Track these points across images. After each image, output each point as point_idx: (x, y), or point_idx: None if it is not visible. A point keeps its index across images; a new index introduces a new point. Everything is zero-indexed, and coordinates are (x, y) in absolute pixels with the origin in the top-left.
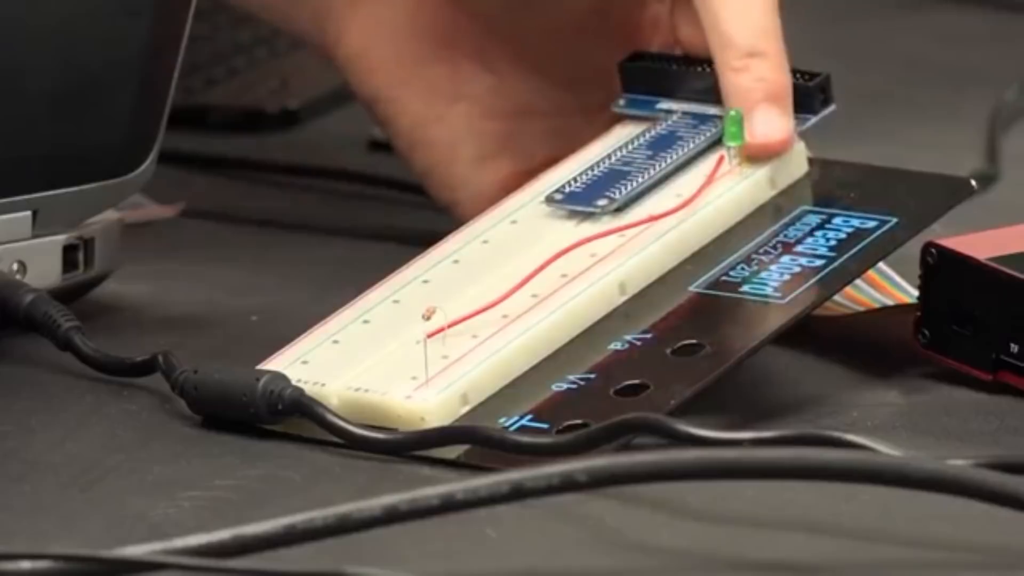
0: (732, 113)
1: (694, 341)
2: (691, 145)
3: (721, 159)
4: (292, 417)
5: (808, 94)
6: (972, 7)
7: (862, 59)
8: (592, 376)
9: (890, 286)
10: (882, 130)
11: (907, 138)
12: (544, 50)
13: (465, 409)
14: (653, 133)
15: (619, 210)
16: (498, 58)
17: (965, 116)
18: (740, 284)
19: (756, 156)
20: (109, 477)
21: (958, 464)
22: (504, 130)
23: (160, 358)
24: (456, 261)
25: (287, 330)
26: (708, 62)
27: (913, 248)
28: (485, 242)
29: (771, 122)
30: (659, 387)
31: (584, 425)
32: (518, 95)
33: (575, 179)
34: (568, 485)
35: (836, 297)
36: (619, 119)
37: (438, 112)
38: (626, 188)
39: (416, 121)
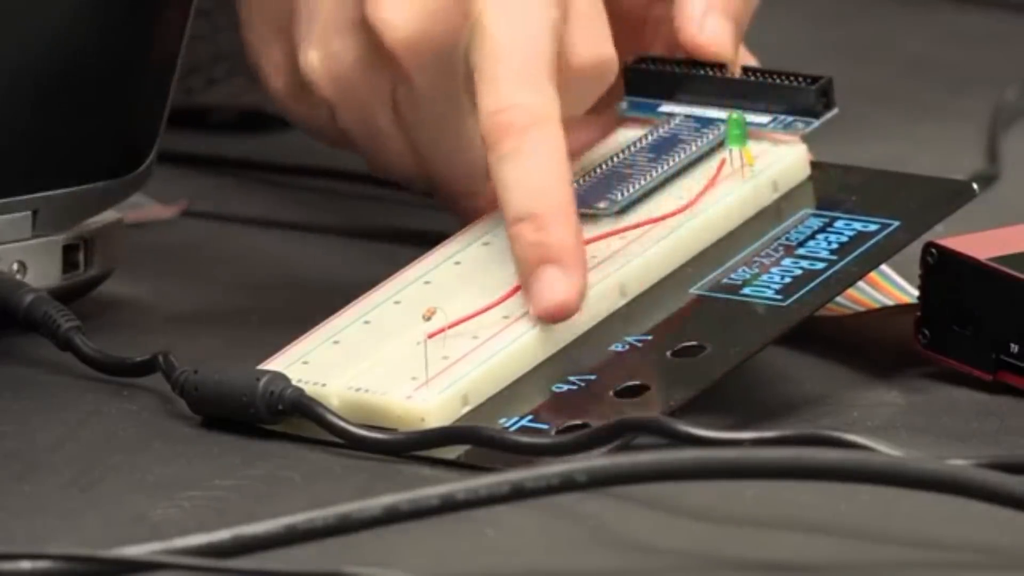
0: (734, 116)
1: (695, 343)
2: (693, 148)
3: (723, 162)
4: (292, 417)
5: (810, 98)
6: (972, 7)
7: (863, 59)
8: (592, 377)
9: (890, 286)
10: (882, 130)
11: (908, 138)
12: None
13: (465, 409)
14: (655, 136)
15: (620, 212)
16: None
17: (966, 116)
18: (741, 286)
19: (546, 321)
20: (109, 477)
21: (958, 464)
22: None
23: (160, 358)
24: (457, 263)
25: (287, 330)
26: (711, 65)
27: (914, 248)
28: (486, 244)
29: (550, 286)
30: (659, 389)
31: (584, 426)
32: None
33: (577, 181)
34: (568, 485)
35: (837, 298)
36: (622, 120)
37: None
38: (628, 190)
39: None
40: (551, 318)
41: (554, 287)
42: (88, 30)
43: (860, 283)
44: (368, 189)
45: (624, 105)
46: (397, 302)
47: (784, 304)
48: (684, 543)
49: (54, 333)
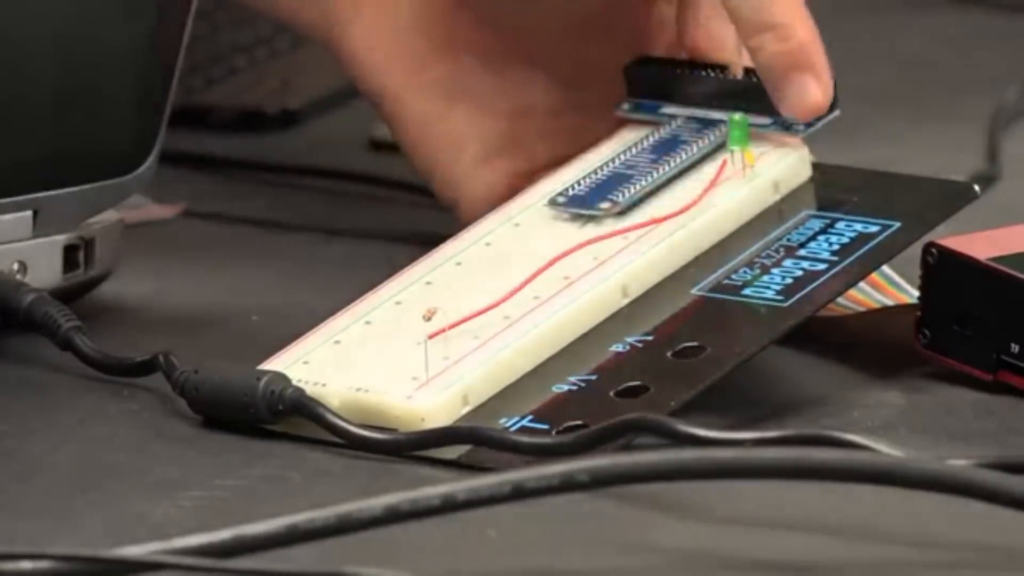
0: (736, 117)
1: (695, 343)
2: (694, 149)
3: (724, 163)
4: (292, 417)
5: None
6: (972, 7)
7: (863, 59)
8: (593, 377)
9: (891, 287)
10: (882, 130)
11: (908, 138)
12: (549, 49)
13: (466, 410)
14: (657, 137)
15: (622, 213)
16: (502, 57)
17: (966, 116)
18: (742, 287)
19: (801, 120)
20: (109, 477)
21: (958, 464)
22: (507, 129)
23: (161, 358)
24: (459, 263)
25: (287, 330)
26: (713, 66)
27: (914, 248)
28: (488, 244)
29: (804, 90)
30: (659, 389)
31: (584, 426)
32: (522, 94)
33: (578, 182)
34: (569, 485)
35: (837, 298)
36: (623, 120)
37: (441, 110)
38: (629, 191)
39: (420, 119)
40: (806, 119)
41: (808, 90)
42: (89, 30)
43: (860, 283)
44: (368, 189)
45: (626, 106)
46: (398, 302)
47: (785, 305)
48: (684, 543)
49: (54, 333)
